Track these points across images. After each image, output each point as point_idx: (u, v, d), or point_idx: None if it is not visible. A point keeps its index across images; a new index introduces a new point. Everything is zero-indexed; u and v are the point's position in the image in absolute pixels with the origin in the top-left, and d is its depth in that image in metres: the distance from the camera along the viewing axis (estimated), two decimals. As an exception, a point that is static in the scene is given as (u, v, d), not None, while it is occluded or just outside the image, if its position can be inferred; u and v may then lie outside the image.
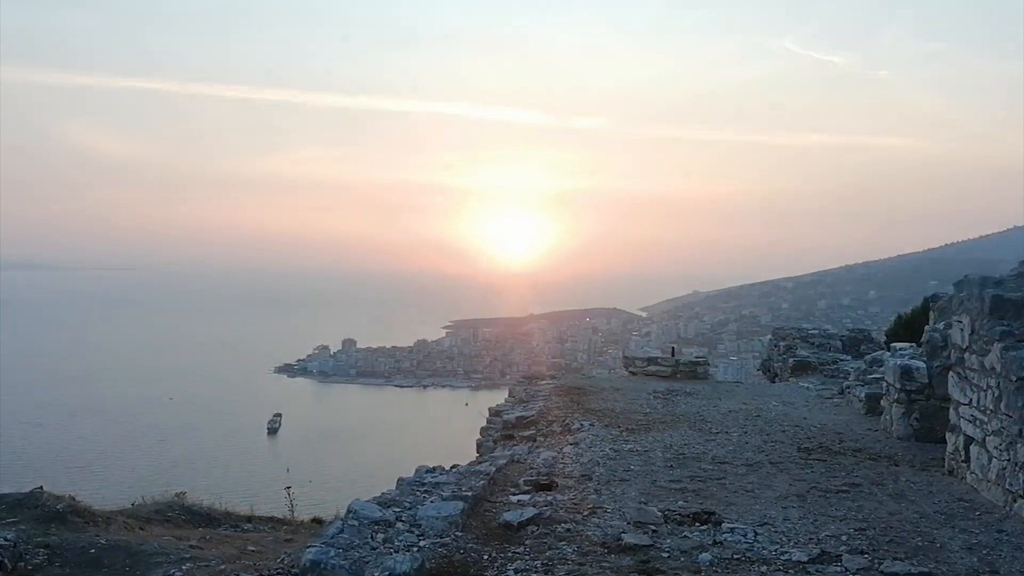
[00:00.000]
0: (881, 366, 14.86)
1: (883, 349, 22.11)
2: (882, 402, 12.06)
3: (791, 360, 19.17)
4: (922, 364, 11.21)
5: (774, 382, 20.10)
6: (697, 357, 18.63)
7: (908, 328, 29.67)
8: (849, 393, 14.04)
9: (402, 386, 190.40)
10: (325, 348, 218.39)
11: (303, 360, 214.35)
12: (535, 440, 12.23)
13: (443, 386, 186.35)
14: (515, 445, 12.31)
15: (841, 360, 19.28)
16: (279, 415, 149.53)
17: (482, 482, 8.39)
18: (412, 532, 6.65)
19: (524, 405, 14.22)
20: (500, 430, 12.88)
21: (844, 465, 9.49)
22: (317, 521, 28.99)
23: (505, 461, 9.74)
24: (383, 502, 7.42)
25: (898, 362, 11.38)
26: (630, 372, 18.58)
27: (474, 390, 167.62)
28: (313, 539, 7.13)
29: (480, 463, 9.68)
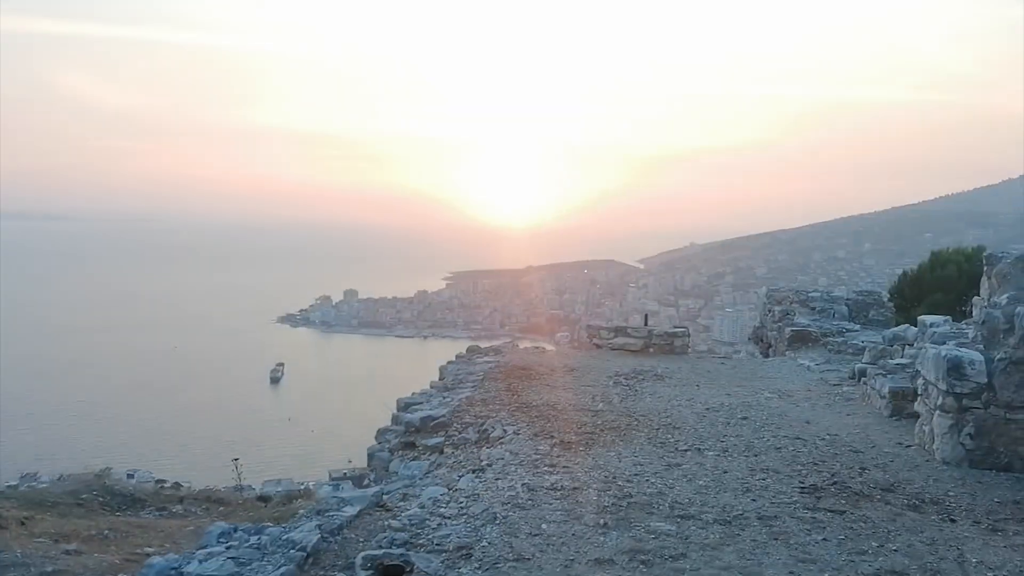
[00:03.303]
0: (905, 345, 11.56)
1: (894, 315, 18.79)
2: (916, 405, 8.73)
3: (788, 329, 15.85)
4: (977, 355, 7.86)
5: (768, 355, 16.85)
6: (675, 327, 15.29)
7: (915, 286, 26.23)
8: (866, 384, 10.70)
9: (403, 336, 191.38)
10: (327, 299, 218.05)
11: (305, 310, 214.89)
12: (441, 452, 9.01)
13: (443, 337, 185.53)
14: (415, 459, 9.08)
15: (848, 330, 15.96)
16: (282, 365, 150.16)
17: (285, 569, 5.12)
18: None
19: (443, 397, 10.93)
20: (401, 436, 9.61)
21: (873, 522, 6.18)
22: (263, 499, 25.31)
23: (357, 511, 6.44)
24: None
25: (943, 351, 8.01)
26: (594, 344, 15.26)
27: (474, 340, 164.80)
28: None
29: (312, 516, 6.36)
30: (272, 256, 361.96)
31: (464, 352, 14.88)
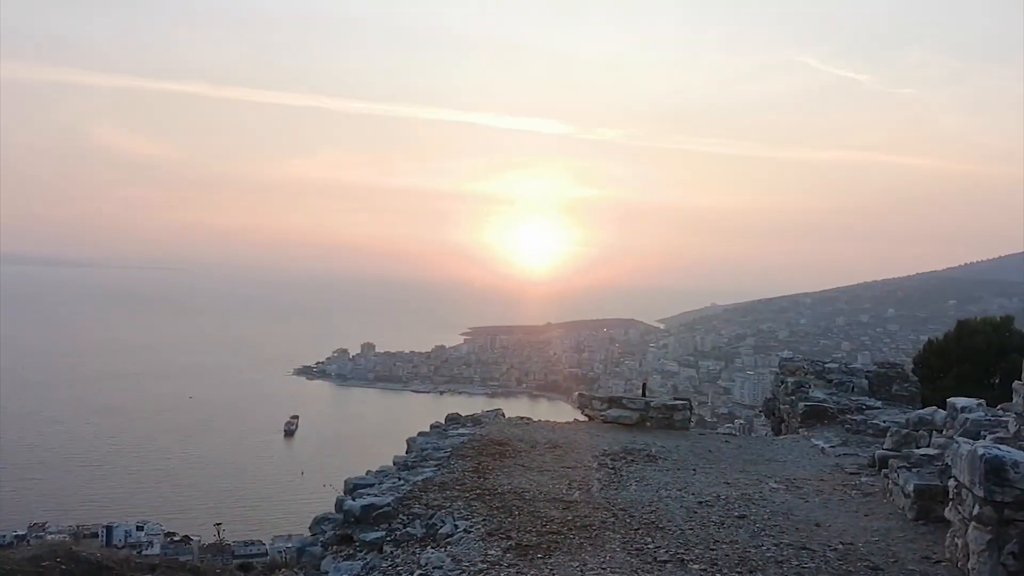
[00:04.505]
0: (933, 431, 10.08)
1: (919, 390, 17.28)
2: (947, 512, 7.27)
3: (801, 404, 14.39)
4: (1021, 455, 6.43)
5: (779, 432, 15.38)
6: (676, 399, 13.84)
7: (941, 357, 24.78)
8: (887, 477, 9.21)
9: (419, 391, 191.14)
10: (344, 351, 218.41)
11: (322, 363, 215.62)
12: (380, 550, 7.64)
13: (460, 392, 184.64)
14: (349, 557, 7.72)
15: (868, 407, 14.48)
16: (296, 417, 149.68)
17: None
18: None
19: (398, 478, 9.56)
20: (339, 527, 8.24)
21: None
22: (244, 568, 23.64)
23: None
24: None
25: (979, 449, 6.58)
26: (586, 415, 13.87)
27: (491, 397, 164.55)
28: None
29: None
30: (292, 307, 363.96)
31: (441, 421, 13.53)
